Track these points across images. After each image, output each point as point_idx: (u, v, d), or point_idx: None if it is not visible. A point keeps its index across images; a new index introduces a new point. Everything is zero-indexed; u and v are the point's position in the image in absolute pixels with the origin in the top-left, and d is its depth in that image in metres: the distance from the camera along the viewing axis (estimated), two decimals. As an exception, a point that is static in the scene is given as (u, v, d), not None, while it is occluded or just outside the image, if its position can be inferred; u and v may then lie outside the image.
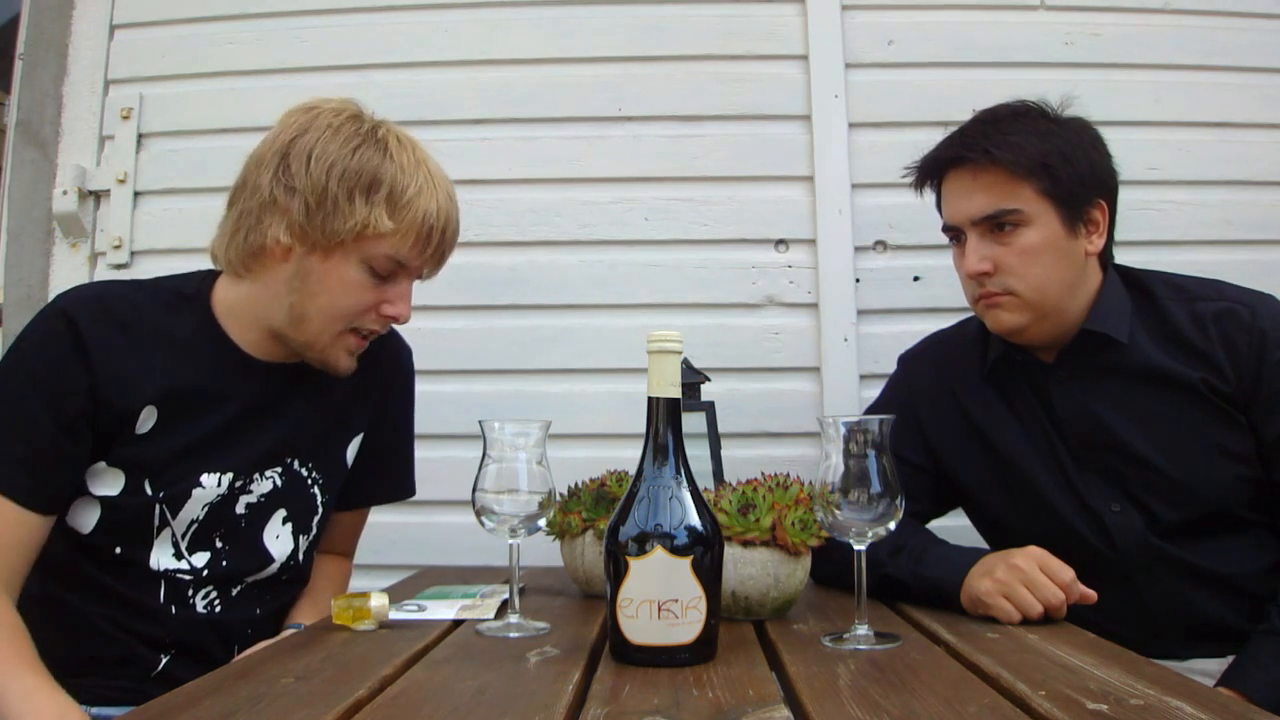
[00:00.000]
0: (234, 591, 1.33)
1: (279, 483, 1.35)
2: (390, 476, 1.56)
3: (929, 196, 1.51)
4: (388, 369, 1.49)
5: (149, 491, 1.25)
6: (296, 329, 1.29)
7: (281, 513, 1.36)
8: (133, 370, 1.24)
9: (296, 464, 1.38)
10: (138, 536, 1.26)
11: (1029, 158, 1.35)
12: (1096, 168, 1.40)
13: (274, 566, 1.36)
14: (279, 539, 1.36)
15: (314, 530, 1.42)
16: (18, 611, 1.17)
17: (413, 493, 1.59)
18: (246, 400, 1.32)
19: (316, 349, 1.31)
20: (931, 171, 1.46)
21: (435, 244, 1.30)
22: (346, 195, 1.22)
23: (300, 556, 1.40)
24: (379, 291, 1.29)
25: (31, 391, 1.20)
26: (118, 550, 1.25)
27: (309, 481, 1.40)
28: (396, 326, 1.48)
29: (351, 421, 1.46)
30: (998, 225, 1.38)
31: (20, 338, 1.25)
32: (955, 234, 1.45)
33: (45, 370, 1.21)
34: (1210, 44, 2.12)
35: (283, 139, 1.26)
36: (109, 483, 1.24)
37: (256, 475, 1.33)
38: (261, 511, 1.34)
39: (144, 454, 1.25)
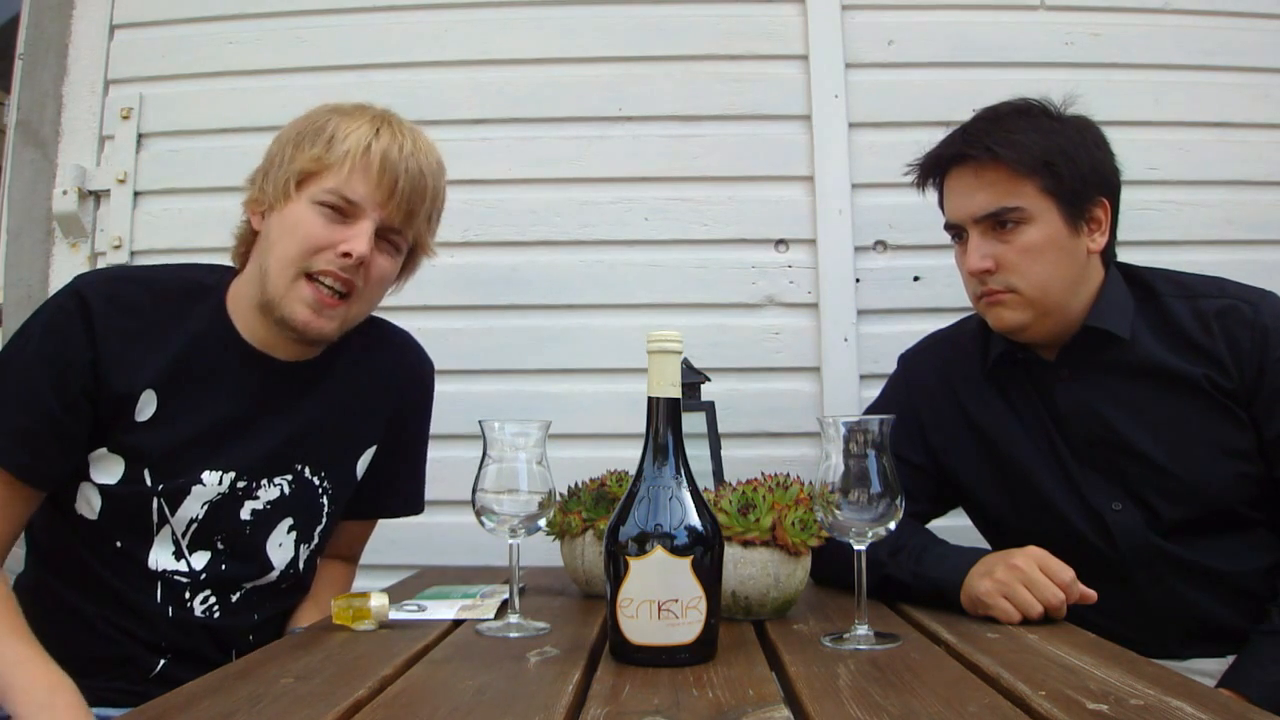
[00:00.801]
0: (233, 597, 1.33)
1: (287, 490, 1.35)
2: (400, 492, 1.55)
3: (930, 196, 1.51)
4: (407, 381, 1.48)
5: (148, 482, 1.25)
6: (265, 288, 1.28)
7: (288, 521, 1.36)
8: (135, 354, 1.24)
9: (308, 472, 1.37)
10: (137, 531, 1.26)
11: (1031, 155, 1.35)
12: (1099, 166, 1.40)
13: (273, 574, 1.36)
14: (281, 547, 1.36)
15: (315, 540, 1.41)
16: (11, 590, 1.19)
17: (421, 509, 1.58)
18: (249, 394, 1.32)
19: (275, 301, 1.27)
20: (934, 169, 1.47)
21: (382, 175, 1.27)
22: (294, 147, 1.28)
23: (300, 565, 1.39)
24: (333, 230, 1.27)
25: (37, 365, 1.21)
26: (118, 544, 1.25)
27: (319, 491, 1.39)
28: (405, 328, 1.48)
29: (365, 432, 1.45)
30: (1000, 223, 1.38)
31: (33, 314, 1.27)
32: (957, 232, 1.45)
33: (51, 345, 1.22)
34: (1210, 44, 2.12)
35: None
36: (109, 470, 1.25)
37: (265, 481, 1.32)
38: (268, 519, 1.34)
39: (143, 441, 1.25)
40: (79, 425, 1.23)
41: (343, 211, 1.27)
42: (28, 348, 1.23)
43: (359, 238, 1.26)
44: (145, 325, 1.26)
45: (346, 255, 1.26)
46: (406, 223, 1.31)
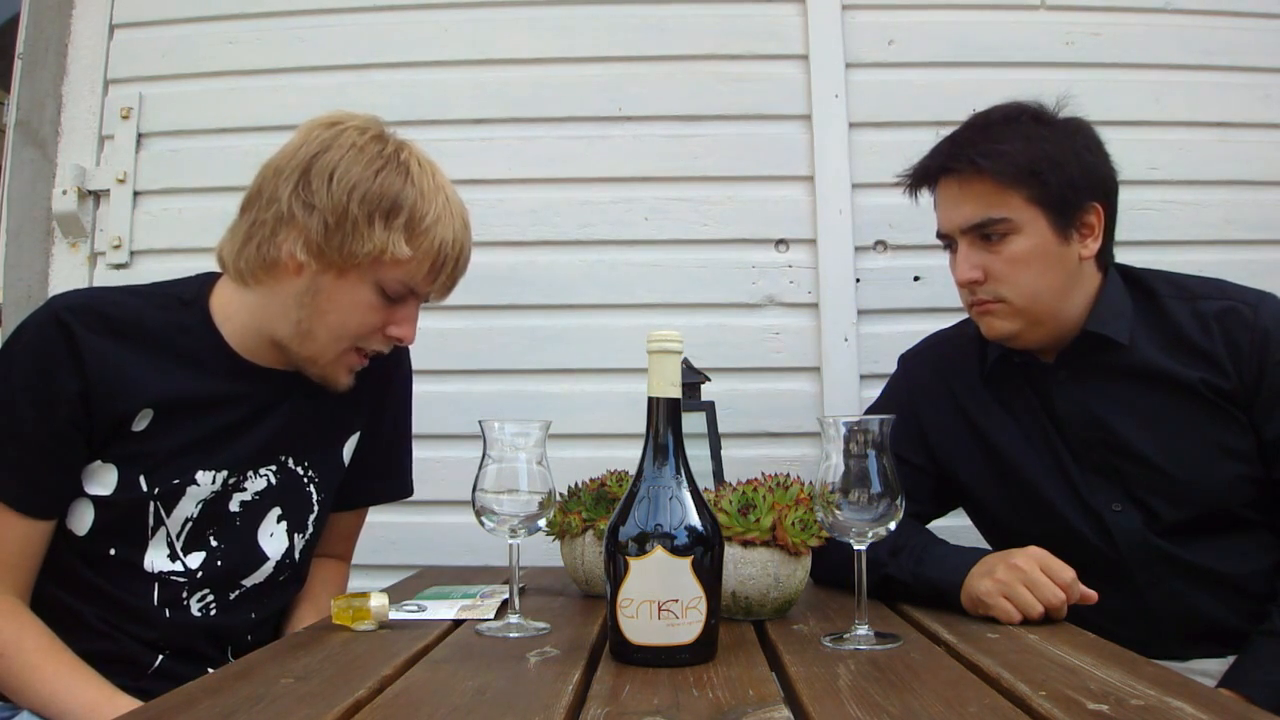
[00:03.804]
0: (232, 595, 1.33)
1: (273, 480, 1.35)
2: (388, 476, 1.56)
3: (928, 197, 1.51)
4: (386, 368, 1.48)
5: (144, 488, 1.24)
6: (301, 343, 1.29)
7: (276, 511, 1.36)
8: (129, 376, 1.23)
9: (291, 462, 1.37)
10: (132, 536, 1.25)
11: (1016, 165, 1.34)
12: (1089, 170, 1.39)
13: (269, 565, 1.36)
14: (273, 537, 1.36)
15: (310, 529, 1.41)
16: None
17: (410, 493, 1.59)
18: (243, 403, 1.32)
19: (319, 364, 1.31)
20: (921, 181, 1.47)
21: (448, 272, 1.31)
22: (366, 218, 1.22)
23: (296, 555, 1.40)
24: (387, 313, 1.30)
25: (23, 396, 1.20)
26: (112, 551, 1.25)
27: (304, 480, 1.39)
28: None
29: (348, 420, 1.46)
30: (987, 234, 1.38)
31: (12, 340, 1.24)
32: (948, 241, 1.45)
33: (37, 376, 1.20)
34: (1210, 44, 2.12)
35: (304, 153, 1.25)
36: (103, 480, 1.24)
37: (250, 472, 1.33)
38: (256, 509, 1.34)
39: (139, 450, 1.24)
40: (71, 453, 1.22)
41: (399, 295, 1.29)
42: (11, 377, 1.21)
43: (409, 324, 1.33)
44: (132, 346, 1.25)
45: (397, 339, 1.32)
46: (440, 297, 1.37)
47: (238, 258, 1.29)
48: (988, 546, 1.50)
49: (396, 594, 1.32)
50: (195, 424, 1.28)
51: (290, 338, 1.29)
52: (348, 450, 1.47)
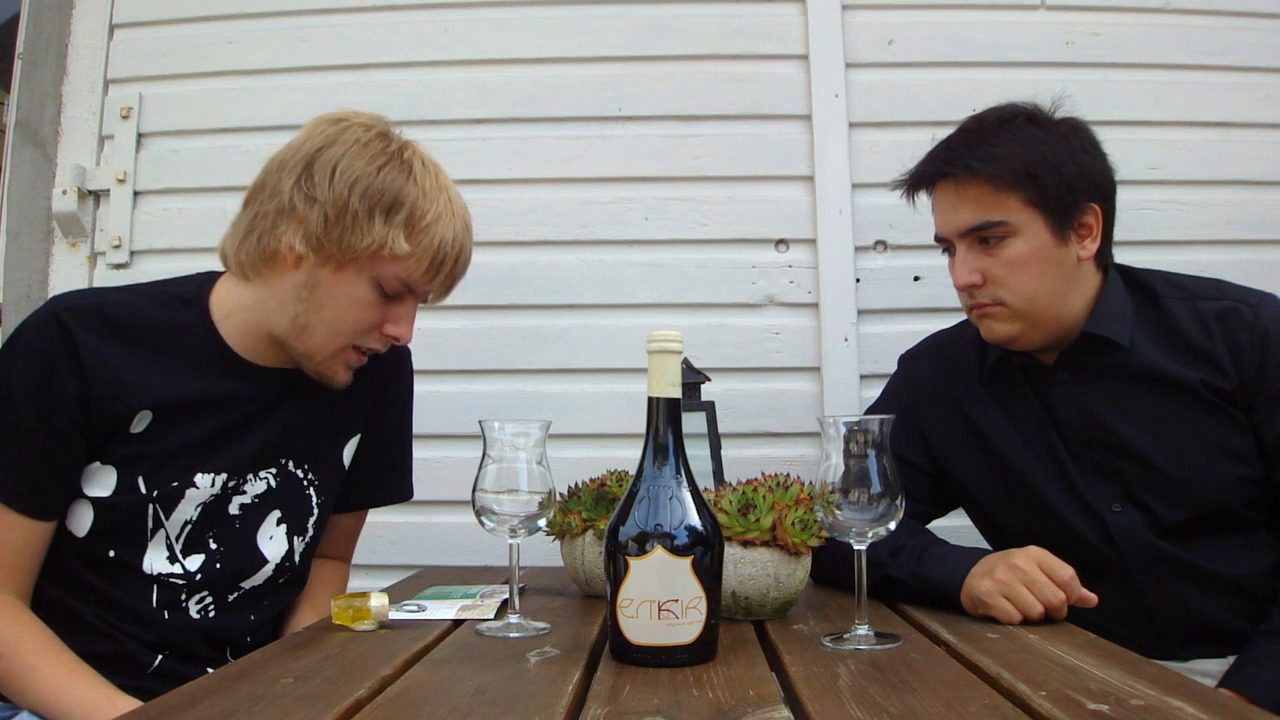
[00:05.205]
0: (230, 598, 1.32)
1: (273, 483, 1.35)
2: (388, 479, 1.55)
3: (926, 199, 1.50)
4: (387, 370, 1.48)
5: (143, 490, 1.24)
6: (298, 339, 1.29)
7: (276, 514, 1.36)
8: (128, 378, 1.23)
9: (291, 465, 1.37)
10: (131, 538, 1.25)
11: (1012, 169, 1.34)
12: (1086, 171, 1.38)
13: (268, 568, 1.35)
14: (272, 540, 1.36)
15: (310, 531, 1.41)
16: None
17: (410, 495, 1.59)
18: (242, 404, 1.32)
19: (316, 360, 1.31)
20: (917, 186, 1.47)
21: (446, 272, 1.31)
22: (366, 212, 1.23)
23: (296, 558, 1.39)
24: (384, 310, 1.30)
25: (23, 397, 1.20)
26: (111, 553, 1.24)
27: (304, 483, 1.39)
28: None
29: (348, 422, 1.46)
30: (984, 238, 1.38)
31: (11, 341, 1.24)
32: (946, 245, 1.45)
33: (37, 377, 1.20)
34: (1210, 44, 2.12)
35: (309, 147, 1.26)
36: (102, 482, 1.24)
37: (250, 475, 1.32)
38: (255, 512, 1.34)
39: (138, 452, 1.24)
40: (71, 454, 1.22)
41: (396, 293, 1.29)
42: (11, 378, 1.21)
43: (406, 322, 1.33)
44: (132, 347, 1.25)
45: (393, 338, 1.32)
46: (439, 298, 1.37)
47: (238, 250, 1.29)
48: (988, 546, 1.50)
49: (396, 594, 1.32)
50: (194, 426, 1.27)
51: (287, 332, 1.29)
52: (348, 452, 1.46)
